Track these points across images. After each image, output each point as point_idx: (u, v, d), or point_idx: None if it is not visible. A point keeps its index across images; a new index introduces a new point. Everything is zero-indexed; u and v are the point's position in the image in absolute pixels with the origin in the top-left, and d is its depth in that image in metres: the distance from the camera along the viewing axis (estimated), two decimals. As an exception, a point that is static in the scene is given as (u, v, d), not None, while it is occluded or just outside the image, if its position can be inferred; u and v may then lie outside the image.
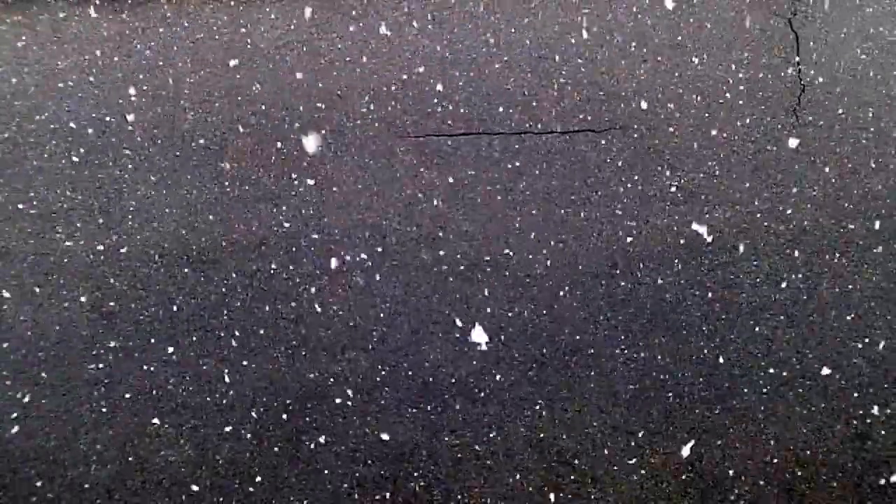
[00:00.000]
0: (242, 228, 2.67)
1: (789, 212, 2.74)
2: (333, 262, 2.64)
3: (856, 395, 2.59)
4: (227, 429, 2.51)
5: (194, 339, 2.57)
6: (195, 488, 2.45)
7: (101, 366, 2.53)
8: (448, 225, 2.69)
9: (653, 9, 2.95)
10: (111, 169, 2.71)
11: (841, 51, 2.93)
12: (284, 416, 2.52)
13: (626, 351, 2.60)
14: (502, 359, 2.58)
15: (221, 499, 2.45)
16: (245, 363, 2.56)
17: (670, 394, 2.57)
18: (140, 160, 2.72)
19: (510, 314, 2.61)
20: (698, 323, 2.63)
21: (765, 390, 2.57)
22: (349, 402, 2.54)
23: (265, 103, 2.80)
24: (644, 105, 2.84)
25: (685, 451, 2.52)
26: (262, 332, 2.58)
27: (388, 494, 2.47)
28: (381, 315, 2.61)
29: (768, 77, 2.88)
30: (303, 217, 2.68)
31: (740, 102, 2.85)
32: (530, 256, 2.66)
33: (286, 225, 2.68)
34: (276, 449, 2.50)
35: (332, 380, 2.55)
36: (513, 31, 2.91)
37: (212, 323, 2.58)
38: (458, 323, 2.60)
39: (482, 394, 2.56)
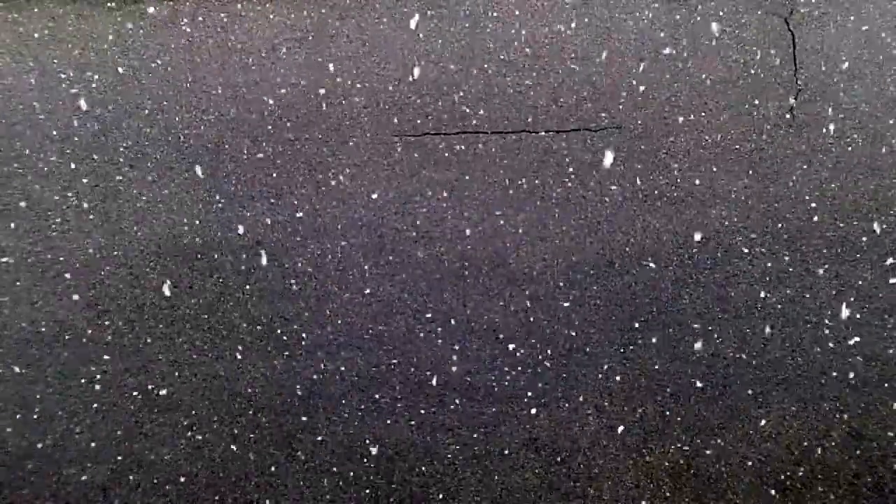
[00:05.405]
0: (241, 228, 2.67)
1: (787, 212, 2.74)
2: (331, 262, 2.65)
3: (855, 394, 2.59)
4: (226, 429, 2.51)
5: (192, 338, 2.57)
6: (193, 488, 2.45)
7: (98, 366, 2.53)
8: (445, 224, 2.69)
9: (650, 8, 2.96)
10: (109, 168, 2.71)
11: (837, 50, 2.93)
12: (283, 416, 2.52)
13: (623, 350, 2.60)
14: (500, 358, 2.58)
15: (219, 499, 2.45)
16: (244, 363, 2.56)
17: (668, 393, 2.58)
18: (138, 160, 2.73)
19: (508, 314, 2.62)
20: (696, 323, 2.63)
21: (762, 390, 2.58)
22: (347, 402, 2.54)
23: (264, 102, 2.80)
24: (642, 105, 2.84)
25: (682, 450, 2.53)
26: (260, 331, 2.58)
27: (386, 494, 2.47)
28: (379, 314, 2.61)
29: (765, 77, 2.89)
30: (301, 217, 2.69)
31: (737, 102, 2.86)
32: (528, 256, 2.67)
33: (285, 225, 2.68)
34: (274, 449, 2.50)
35: (330, 379, 2.55)
36: (511, 30, 2.91)
37: (210, 323, 2.58)
38: (457, 322, 2.61)
39: (480, 393, 2.56)
